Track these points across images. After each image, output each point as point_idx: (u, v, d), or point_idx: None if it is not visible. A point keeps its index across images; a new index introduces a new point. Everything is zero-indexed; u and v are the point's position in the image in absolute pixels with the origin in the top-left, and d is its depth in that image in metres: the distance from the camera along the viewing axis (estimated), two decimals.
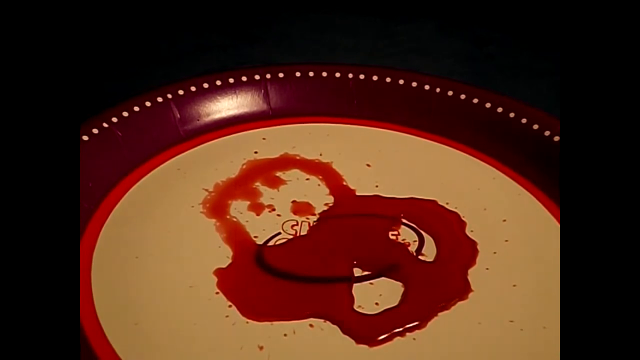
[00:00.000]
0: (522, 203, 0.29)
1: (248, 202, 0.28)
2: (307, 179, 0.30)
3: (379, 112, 0.34)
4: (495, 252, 0.27)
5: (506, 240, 0.27)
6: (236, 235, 0.27)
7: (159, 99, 0.32)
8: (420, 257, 0.26)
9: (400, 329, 0.23)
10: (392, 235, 0.27)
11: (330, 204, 0.29)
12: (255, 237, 0.27)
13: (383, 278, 0.25)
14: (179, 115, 0.32)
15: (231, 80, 0.34)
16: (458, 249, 0.27)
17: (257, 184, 0.30)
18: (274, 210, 0.28)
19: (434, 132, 0.33)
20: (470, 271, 0.26)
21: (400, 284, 0.25)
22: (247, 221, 0.28)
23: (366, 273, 0.25)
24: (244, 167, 0.30)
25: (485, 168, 0.31)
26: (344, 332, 0.23)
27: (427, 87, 0.34)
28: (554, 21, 0.46)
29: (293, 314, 0.24)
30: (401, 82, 0.34)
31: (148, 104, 0.32)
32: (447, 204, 0.29)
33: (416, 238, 0.27)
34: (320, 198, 0.29)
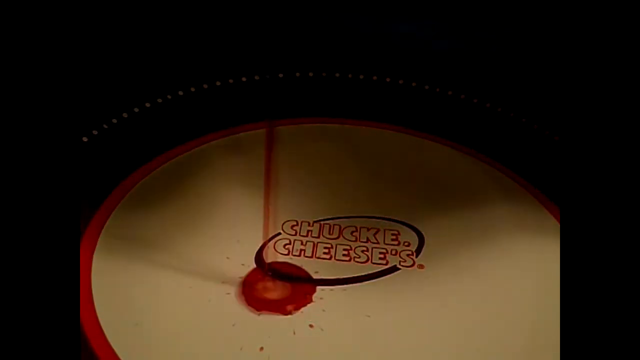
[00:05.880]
0: (522, 203, 0.29)
1: (248, 202, 0.28)
2: (307, 179, 0.30)
3: (379, 112, 0.34)
4: (494, 252, 0.27)
5: (506, 240, 0.27)
6: (236, 236, 0.27)
7: (158, 100, 0.32)
8: (420, 257, 0.26)
9: (400, 329, 0.23)
10: (392, 235, 0.27)
11: (331, 204, 0.29)
12: (255, 237, 0.27)
13: (383, 278, 0.25)
14: (178, 116, 0.32)
15: (230, 81, 0.34)
16: (458, 249, 0.27)
17: (257, 183, 0.30)
18: (274, 210, 0.28)
19: (434, 132, 0.33)
20: (469, 271, 0.26)
21: (400, 284, 0.25)
22: (247, 221, 0.28)
23: (366, 273, 0.25)
24: (244, 167, 0.30)
25: (485, 168, 0.31)
26: (344, 332, 0.23)
27: (427, 87, 0.34)
28: (554, 21, 0.46)
29: (293, 314, 0.24)
30: (401, 82, 0.34)
31: (147, 104, 0.32)
32: (447, 203, 0.29)
33: (416, 238, 0.27)
34: (320, 198, 0.29)
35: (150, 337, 0.23)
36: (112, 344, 0.22)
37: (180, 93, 0.33)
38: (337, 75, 0.35)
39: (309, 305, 0.24)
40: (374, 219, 0.28)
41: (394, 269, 0.26)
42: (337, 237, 0.27)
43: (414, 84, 0.34)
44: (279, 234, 0.27)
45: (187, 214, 0.28)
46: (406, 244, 0.27)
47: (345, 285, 0.25)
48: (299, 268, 0.25)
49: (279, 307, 0.24)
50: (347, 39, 0.47)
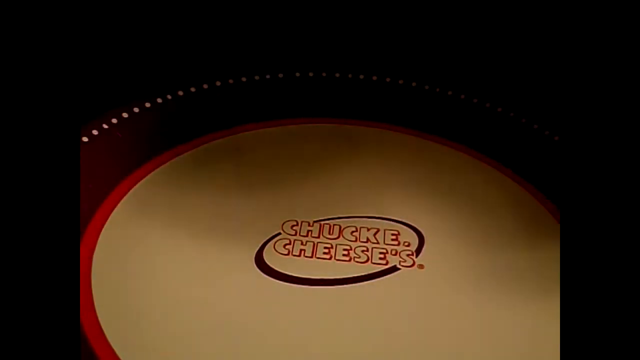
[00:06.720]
0: (522, 203, 0.29)
1: (248, 202, 0.28)
2: (308, 179, 0.30)
3: (379, 112, 0.34)
4: (494, 253, 0.27)
5: (506, 240, 0.27)
6: (236, 236, 0.27)
7: (159, 100, 0.32)
8: (420, 257, 0.26)
9: (400, 329, 0.23)
10: (392, 235, 0.27)
11: (330, 204, 0.29)
12: (255, 237, 0.27)
13: (383, 278, 0.25)
14: (178, 116, 0.32)
15: (230, 81, 0.34)
16: (458, 249, 0.27)
17: (257, 184, 0.30)
18: (274, 210, 0.28)
19: (433, 132, 0.33)
20: (469, 271, 0.26)
21: (400, 284, 0.25)
22: (247, 221, 0.28)
23: (366, 273, 0.25)
24: (244, 167, 0.30)
25: (485, 168, 0.31)
26: (344, 332, 0.23)
27: (427, 87, 0.34)
28: (554, 21, 0.46)
29: (292, 315, 0.24)
30: (401, 82, 0.34)
31: (147, 104, 0.32)
32: (447, 204, 0.29)
33: (416, 238, 0.27)
34: (320, 198, 0.29)
35: (150, 337, 0.23)
36: (112, 344, 0.22)
37: (180, 93, 0.33)
38: (337, 75, 0.35)
39: (309, 305, 0.24)
40: (374, 219, 0.28)
41: (394, 269, 0.26)
42: (337, 237, 0.27)
43: (414, 84, 0.34)
44: (279, 234, 0.27)
45: (187, 214, 0.28)
46: (406, 244, 0.27)
47: (345, 285, 0.25)
48: (299, 268, 0.25)
49: (279, 309, 0.24)
50: (347, 39, 0.47)
